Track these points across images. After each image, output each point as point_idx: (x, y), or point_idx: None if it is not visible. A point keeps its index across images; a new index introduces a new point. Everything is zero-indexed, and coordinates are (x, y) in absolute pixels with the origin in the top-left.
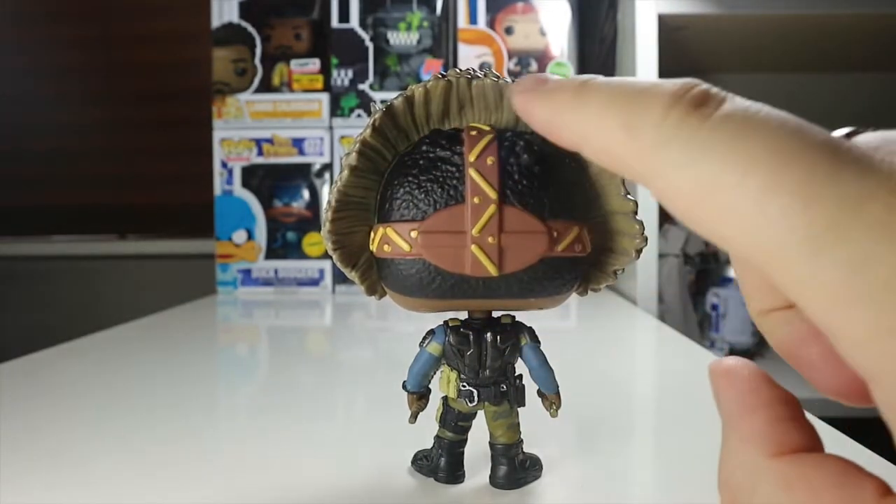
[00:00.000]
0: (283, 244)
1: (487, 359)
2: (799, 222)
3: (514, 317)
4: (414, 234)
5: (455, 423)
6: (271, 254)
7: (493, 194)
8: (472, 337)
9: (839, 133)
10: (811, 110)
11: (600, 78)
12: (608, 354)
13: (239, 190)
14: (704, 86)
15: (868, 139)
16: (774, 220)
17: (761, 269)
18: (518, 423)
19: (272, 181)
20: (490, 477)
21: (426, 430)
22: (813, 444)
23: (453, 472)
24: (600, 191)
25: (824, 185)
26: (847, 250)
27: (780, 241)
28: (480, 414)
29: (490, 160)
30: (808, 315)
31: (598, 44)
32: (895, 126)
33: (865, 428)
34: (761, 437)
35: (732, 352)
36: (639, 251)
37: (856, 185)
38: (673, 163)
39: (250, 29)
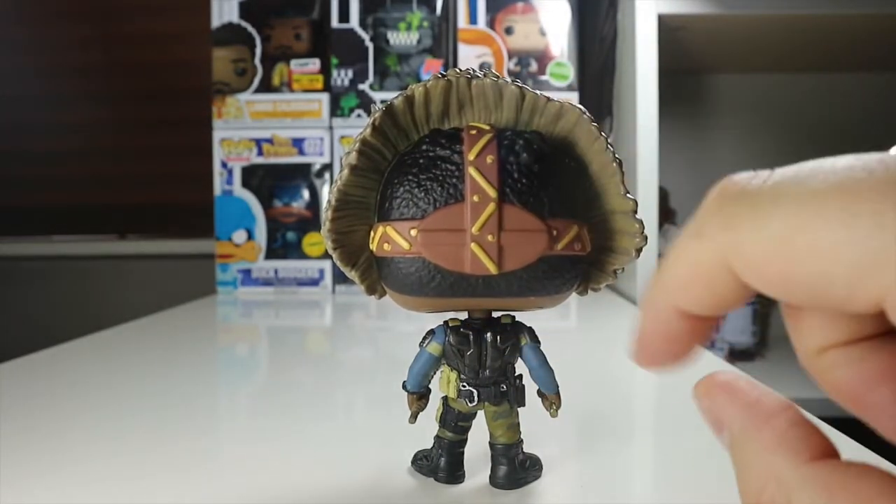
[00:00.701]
0: (283, 244)
1: (487, 359)
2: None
3: (514, 317)
4: (414, 232)
5: (455, 423)
6: (271, 254)
7: (492, 193)
8: (472, 337)
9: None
10: (811, 110)
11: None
12: (608, 354)
13: (239, 190)
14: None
15: None
16: (864, 237)
17: (846, 294)
18: (518, 423)
19: (272, 181)
20: (490, 477)
21: (426, 430)
22: (833, 448)
23: (453, 472)
24: (600, 190)
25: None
26: None
27: (875, 253)
28: (480, 414)
29: (490, 159)
30: None
31: (598, 44)
32: (895, 125)
33: (865, 428)
34: (790, 443)
35: (732, 352)
36: (639, 250)
37: None
38: (746, 229)
39: (250, 29)
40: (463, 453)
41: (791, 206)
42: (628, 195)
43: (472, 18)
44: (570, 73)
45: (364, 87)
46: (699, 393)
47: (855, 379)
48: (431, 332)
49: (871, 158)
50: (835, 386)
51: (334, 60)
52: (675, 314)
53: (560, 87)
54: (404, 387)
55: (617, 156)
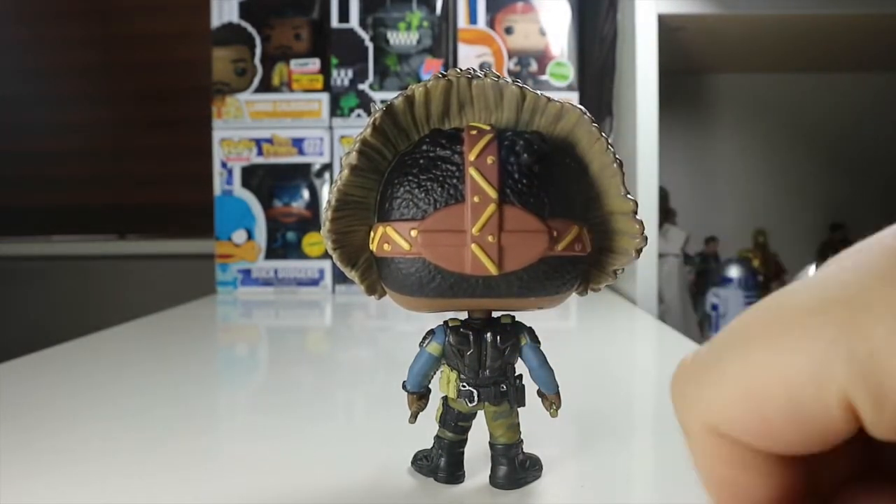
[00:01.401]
0: (282, 244)
1: (487, 359)
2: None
3: (514, 317)
4: (414, 233)
5: (455, 423)
6: (271, 254)
7: (492, 193)
8: (471, 337)
9: (810, 269)
10: (811, 110)
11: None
12: (608, 354)
13: (239, 190)
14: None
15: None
16: (808, 354)
17: (818, 405)
18: (518, 423)
19: (272, 181)
20: (490, 477)
21: (426, 430)
22: None
23: (453, 472)
24: (600, 190)
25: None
26: None
27: (821, 362)
28: (480, 414)
29: (490, 159)
30: None
31: (598, 44)
32: (895, 126)
33: None
34: None
35: None
36: (639, 251)
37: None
38: (710, 397)
39: (250, 29)
40: (463, 453)
41: (735, 357)
42: (628, 196)
43: (472, 18)
44: (570, 73)
45: (364, 87)
46: None
47: None
48: (431, 332)
49: (785, 292)
50: None
51: (334, 60)
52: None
53: (560, 87)
54: (404, 387)
55: (617, 156)
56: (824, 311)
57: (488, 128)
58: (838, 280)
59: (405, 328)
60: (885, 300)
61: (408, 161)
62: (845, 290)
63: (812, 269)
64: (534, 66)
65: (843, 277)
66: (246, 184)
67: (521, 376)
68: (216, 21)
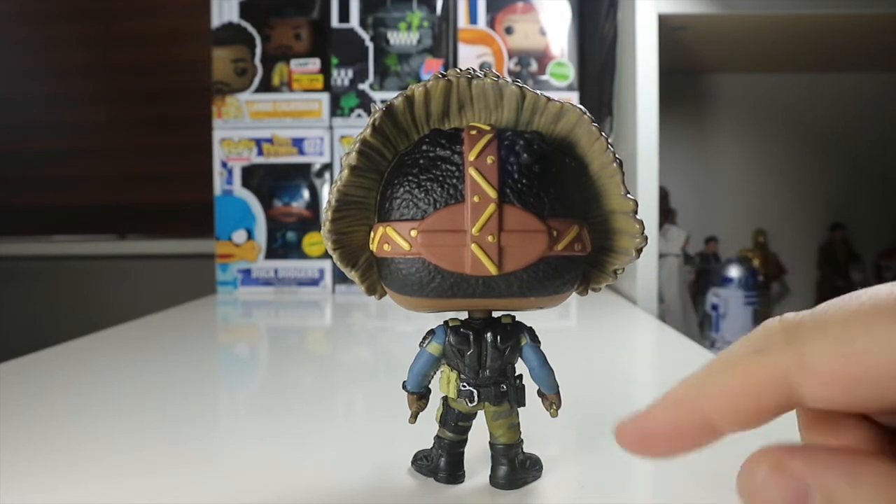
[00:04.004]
0: (283, 244)
1: (487, 359)
2: None
3: (514, 317)
4: (414, 233)
5: (455, 424)
6: (271, 254)
7: (492, 193)
8: (472, 337)
9: None
10: (811, 110)
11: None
12: (608, 354)
13: (239, 190)
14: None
15: None
16: None
17: None
18: (518, 424)
19: (272, 181)
20: (490, 477)
21: (426, 430)
22: None
23: (453, 473)
24: (600, 190)
25: None
26: None
27: None
28: (480, 414)
29: (490, 159)
30: None
31: (598, 44)
32: (895, 126)
33: None
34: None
35: None
36: (639, 250)
37: None
38: (813, 344)
39: (250, 29)
40: (463, 453)
41: (845, 323)
42: (628, 195)
43: (473, 18)
44: (570, 72)
45: (364, 86)
46: (762, 470)
47: None
48: (431, 332)
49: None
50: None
51: (334, 60)
52: (699, 420)
53: (560, 87)
54: (404, 387)
55: (617, 156)
56: None
57: (488, 128)
58: None
59: (405, 328)
60: None
61: (407, 161)
62: None
63: None
64: (534, 66)
65: None
66: (246, 184)
67: (521, 376)
68: (216, 21)
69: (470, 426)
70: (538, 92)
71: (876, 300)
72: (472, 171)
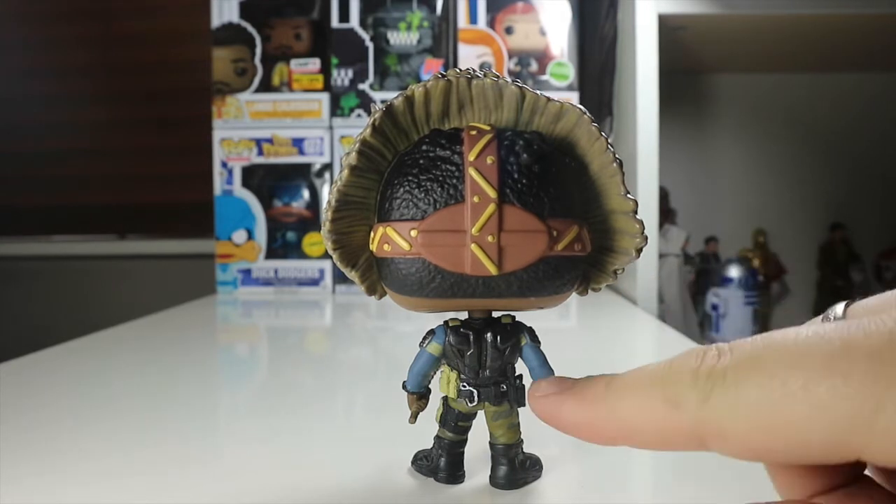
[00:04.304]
0: (283, 244)
1: (487, 359)
2: (856, 395)
3: (514, 317)
4: (414, 233)
5: (455, 424)
6: (271, 254)
7: (492, 193)
8: (472, 337)
9: (838, 307)
10: (811, 110)
11: (619, 374)
12: (608, 354)
13: (239, 190)
14: (712, 345)
15: (868, 304)
16: (833, 405)
17: (822, 455)
18: (518, 424)
19: (272, 181)
20: (490, 477)
21: (426, 430)
22: None
23: (453, 473)
24: (600, 190)
25: (852, 361)
26: None
27: (846, 413)
28: (480, 414)
29: (490, 159)
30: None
31: (598, 44)
32: (895, 125)
33: None
34: None
35: None
36: (639, 250)
37: (872, 353)
38: (724, 409)
39: (250, 29)
40: (463, 453)
41: (759, 382)
42: (628, 195)
43: (473, 18)
44: (570, 73)
45: (364, 86)
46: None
47: None
48: (431, 332)
49: (825, 329)
50: None
51: (334, 60)
52: (607, 434)
53: (560, 87)
54: (404, 387)
55: (617, 156)
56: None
57: (488, 128)
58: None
59: (405, 328)
60: None
61: (407, 161)
62: (868, 340)
63: (840, 308)
64: (534, 66)
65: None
66: (246, 184)
67: (521, 376)
68: (216, 21)
69: (470, 426)
70: (538, 92)
71: (803, 349)
72: (471, 171)
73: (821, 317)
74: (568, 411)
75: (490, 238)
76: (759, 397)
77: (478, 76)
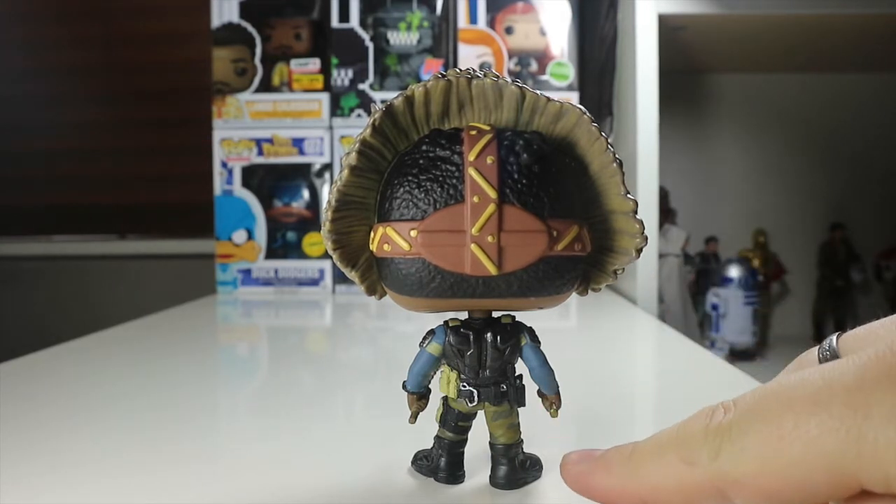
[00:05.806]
0: (283, 244)
1: (487, 359)
2: (840, 426)
3: (514, 317)
4: (414, 233)
5: (455, 424)
6: (271, 254)
7: (492, 193)
8: (472, 337)
9: (832, 339)
10: (811, 110)
11: (640, 442)
12: (608, 354)
13: (239, 190)
14: (719, 403)
15: (857, 334)
16: (823, 435)
17: (829, 490)
18: (518, 424)
19: (272, 181)
20: (490, 477)
21: (426, 430)
22: None
23: (453, 473)
24: (600, 190)
25: (832, 395)
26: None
27: (835, 446)
28: (480, 414)
29: (490, 159)
30: None
31: (597, 44)
32: (895, 125)
33: None
34: None
35: (733, 352)
36: (639, 250)
37: (849, 387)
38: (733, 460)
39: (250, 29)
40: (463, 453)
41: (758, 429)
42: (628, 195)
43: (473, 18)
44: (570, 73)
45: (364, 86)
46: None
47: None
48: (431, 332)
49: (809, 372)
50: None
51: (334, 60)
52: (637, 499)
53: (560, 87)
54: (404, 387)
55: (617, 156)
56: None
57: (488, 128)
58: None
59: (405, 328)
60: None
61: (407, 161)
62: (844, 377)
63: (833, 339)
64: (534, 66)
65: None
66: (246, 184)
67: (521, 376)
68: (216, 21)
69: (470, 426)
70: (538, 92)
71: (790, 397)
72: (471, 172)
73: (817, 348)
74: (598, 480)
75: (490, 238)
76: (760, 444)
77: (478, 76)
